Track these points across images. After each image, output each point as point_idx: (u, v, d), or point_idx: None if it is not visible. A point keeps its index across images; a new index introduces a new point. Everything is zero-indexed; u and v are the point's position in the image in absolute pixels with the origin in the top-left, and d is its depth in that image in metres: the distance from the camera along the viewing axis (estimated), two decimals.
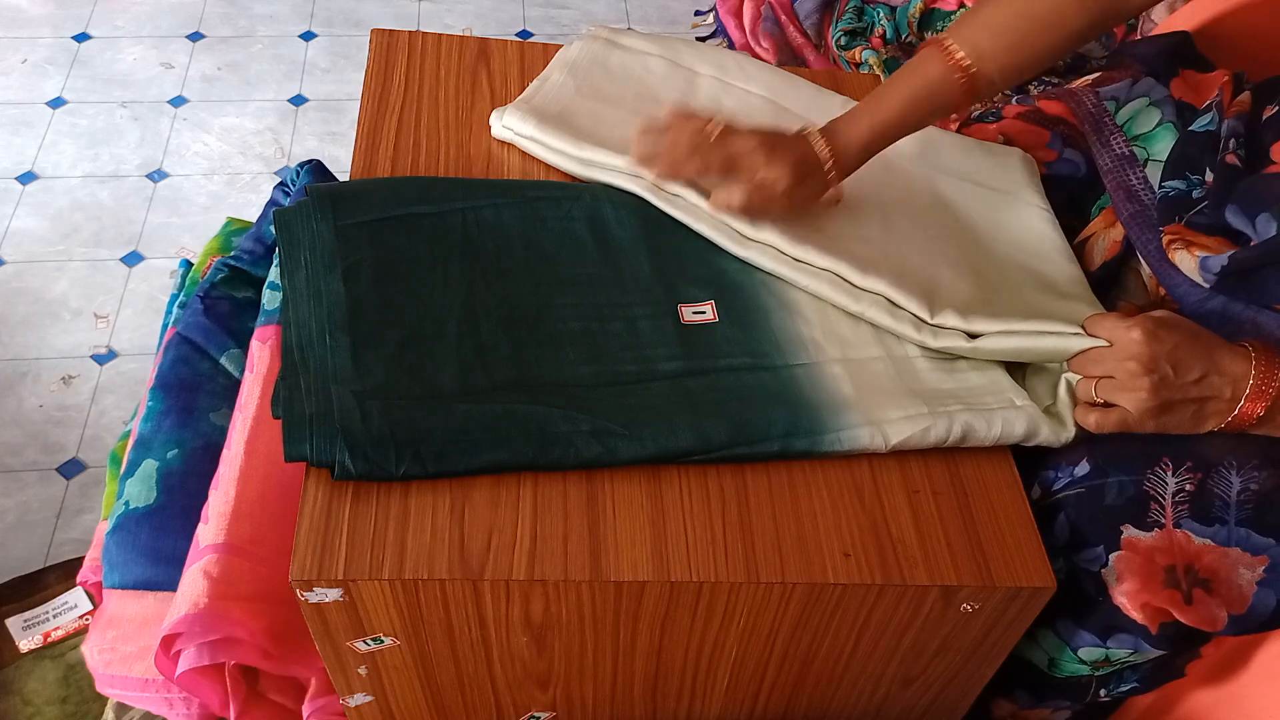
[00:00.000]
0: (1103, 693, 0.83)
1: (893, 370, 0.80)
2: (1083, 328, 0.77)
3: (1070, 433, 0.78)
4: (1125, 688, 0.82)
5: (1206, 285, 0.80)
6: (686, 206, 0.86)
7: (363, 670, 0.76)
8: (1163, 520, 0.72)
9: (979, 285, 0.85)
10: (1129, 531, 0.73)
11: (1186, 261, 0.80)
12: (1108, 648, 0.76)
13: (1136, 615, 0.72)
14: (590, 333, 0.79)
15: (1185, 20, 1.06)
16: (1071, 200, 0.97)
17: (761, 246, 0.84)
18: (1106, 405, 0.75)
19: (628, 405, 0.74)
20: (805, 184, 0.83)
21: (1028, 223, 0.94)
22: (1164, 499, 0.72)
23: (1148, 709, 0.89)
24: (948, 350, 0.81)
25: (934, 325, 0.81)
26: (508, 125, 0.92)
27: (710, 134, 0.82)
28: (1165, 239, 0.82)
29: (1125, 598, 0.72)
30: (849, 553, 0.71)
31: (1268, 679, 0.79)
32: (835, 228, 0.87)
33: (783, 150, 0.82)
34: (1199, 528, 0.71)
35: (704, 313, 0.82)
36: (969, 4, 1.42)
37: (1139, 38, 1.13)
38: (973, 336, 0.80)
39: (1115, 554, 0.73)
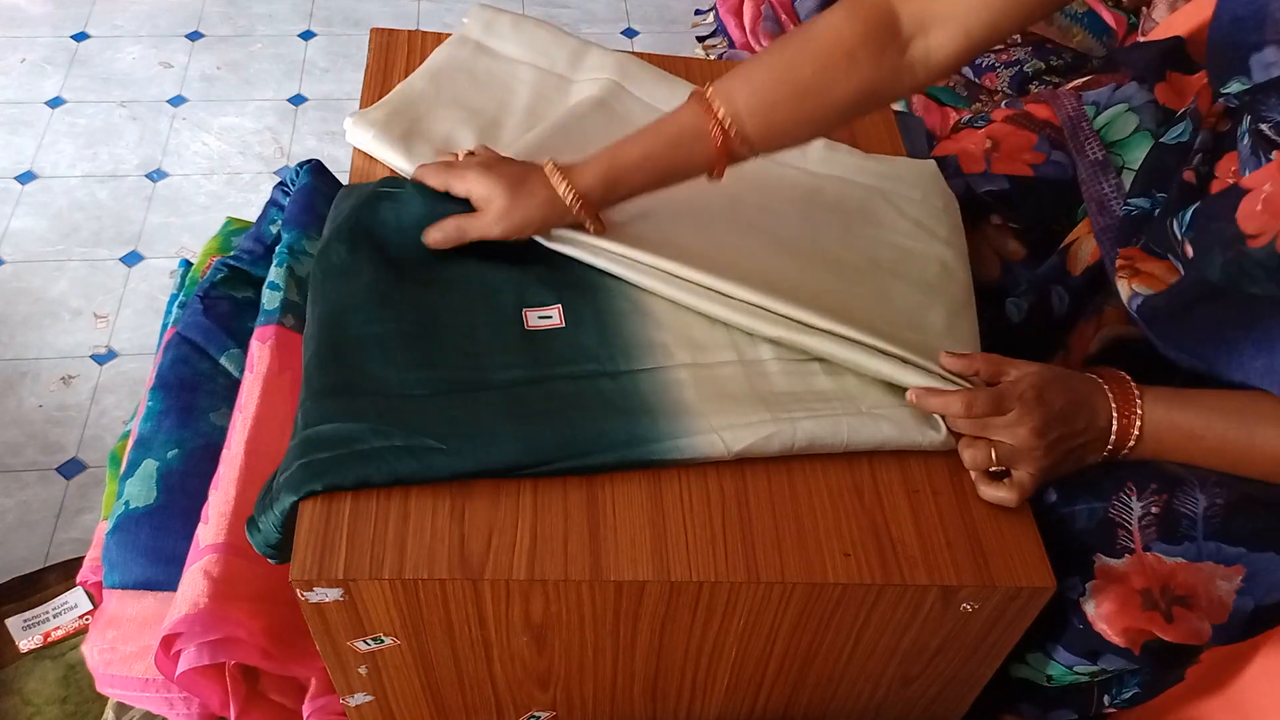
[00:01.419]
0: (1106, 700, 0.83)
1: (742, 374, 0.78)
2: (944, 367, 0.76)
3: (940, 435, 0.76)
4: (1128, 694, 0.82)
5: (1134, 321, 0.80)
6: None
7: (363, 670, 0.76)
8: (1132, 545, 0.72)
9: (845, 295, 0.84)
10: (1101, 560, 0.73)
11: (1124, 290, 0.80)
12: (1099, 665, 0.77)
13: (1118, 640, 0.73)
14: (424, 335, 0.76)
15: (1184, 20, 1.06)
16: (1058, 203, 0.97)
17: (613, 255, 0.82)
18: (1003, 473, 0.75)
19: (449, 417, 0.71)
20: (521, 208, 0.79)
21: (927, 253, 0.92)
22: (1130, 524, 0.73)
23: (1147, 710, 0.89)
24: (783, 340, 0.79)
25: (786, 317, 0.79)
26: (351, 141, 0.91)
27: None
28: (1118, 263, 0.82)
29: (1105, 623, 0.73)
30: (849, 552, 0.71)
31: (1266, 679, 0.79)
32: (709, 231, 0.87)
33: (502, 172, 0.80)
34: (1168, 548, 0.71)
35: (550, 317, 0.79)
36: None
37: (1140, 39, 1.14)
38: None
39: (1091, 582, 0.73)
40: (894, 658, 0.80)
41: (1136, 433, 0.73)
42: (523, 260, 0.82)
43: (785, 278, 0.84)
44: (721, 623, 0.74)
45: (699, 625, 0.74)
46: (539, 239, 0.82)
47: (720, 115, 0.77)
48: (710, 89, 0.78)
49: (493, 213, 0.79)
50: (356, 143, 0.92)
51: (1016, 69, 1.42)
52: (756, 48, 1.74)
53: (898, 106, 1.41)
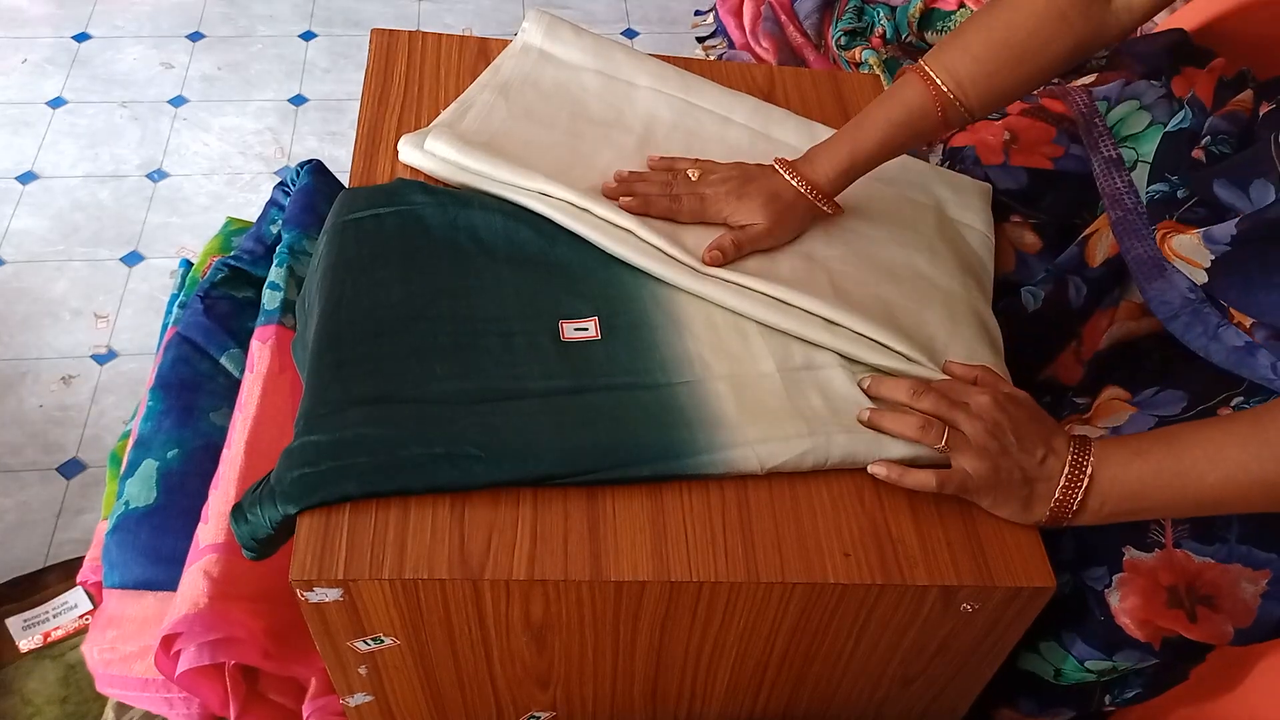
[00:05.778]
0: (1107, 700, 0.83)
1: (780, 388, 0.77)
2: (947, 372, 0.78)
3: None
4: (1130, 694, 0.82)
5: (1207, 263, 0.77)
6: (613, 233, 0.83)
7: (363, 670, 0.76)
8: (1163, 540, 0.72)
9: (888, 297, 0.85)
10: (1130, 553, 0.73)
11: (1186, 244, 0.78)
12: (1113, 660, 0.76)
13: (1139, 634, 0.72)
14: (461, 347, 0.76)
15: (1184, 21, 1.06)
16: (1077, 197, 0.97)
17: (691, 271, 0.82)
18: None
19: (490, 425, 0.71)
20: (785, 217, 0.84)
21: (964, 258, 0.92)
22: (1163, 520, 0.72)
23: (1147, 709, 0.89)
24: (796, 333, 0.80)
25: (848, 330, 0.80)
26: (431, 150, 0.87)
27: (685, 177, 0.86)
28: (1159, 234, 0.82)
29: (1128, 617, 0.72)
30: (849, 552, 0.71)
31: (1269, 680, 0.79)
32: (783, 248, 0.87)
33: (752, 190, 0.84)
34: (1199, 547, 0.71)
35: (586, 329, 0.79)
36: (969, 4, 1.41)
37: (1137, 35, 1.13)
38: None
39: (1118, 575, 0.73)
40: (894, 658, 0.80)
41: (1079, 495, 0.69)
42: (557, 269, 0.82)
43: (813, 276, 0.85)
44: (721, 623, 0.74)
45: (699, 625, 0.74)
46: (617, 253, 0.83)
47: (945, 89, 0.80)
48: (928, 64, 0.81)
49: (762, 230, 0.84)
50: (435, 154, 0.87)
51: None
52: (756, 48, 1.75)
53: None
